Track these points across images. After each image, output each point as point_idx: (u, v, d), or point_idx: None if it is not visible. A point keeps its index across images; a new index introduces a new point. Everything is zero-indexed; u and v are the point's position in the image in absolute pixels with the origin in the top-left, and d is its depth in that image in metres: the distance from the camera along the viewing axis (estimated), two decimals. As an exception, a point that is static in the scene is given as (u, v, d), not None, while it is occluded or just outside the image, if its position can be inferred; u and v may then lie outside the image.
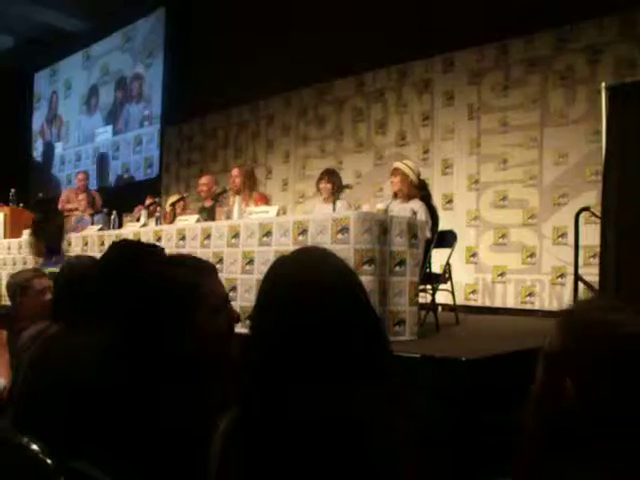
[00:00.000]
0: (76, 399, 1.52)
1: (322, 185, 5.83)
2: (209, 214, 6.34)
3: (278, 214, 4.98)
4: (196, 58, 10.44)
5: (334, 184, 5.75)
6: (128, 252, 2.04)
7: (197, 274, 1.50)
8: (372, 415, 1.10)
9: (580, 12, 6.17)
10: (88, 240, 6.52)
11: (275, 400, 1.15)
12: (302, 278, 1.22)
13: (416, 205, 5.09)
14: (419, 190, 5.28)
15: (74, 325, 1.90)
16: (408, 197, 5.22)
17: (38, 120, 13.90)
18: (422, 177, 5.55)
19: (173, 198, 7.19)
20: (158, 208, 6.81)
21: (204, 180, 7.01)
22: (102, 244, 6.29)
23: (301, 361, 1.15)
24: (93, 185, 11.60)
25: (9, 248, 7.51)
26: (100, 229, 6.67)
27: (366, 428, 1.08)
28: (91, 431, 1.44)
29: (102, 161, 11.72)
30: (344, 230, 4.23)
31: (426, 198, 5.29)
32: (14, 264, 7.16)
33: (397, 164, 5.39)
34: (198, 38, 10.46)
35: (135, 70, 11.44)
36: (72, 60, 12.90)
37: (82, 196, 8.16)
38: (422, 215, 4.96)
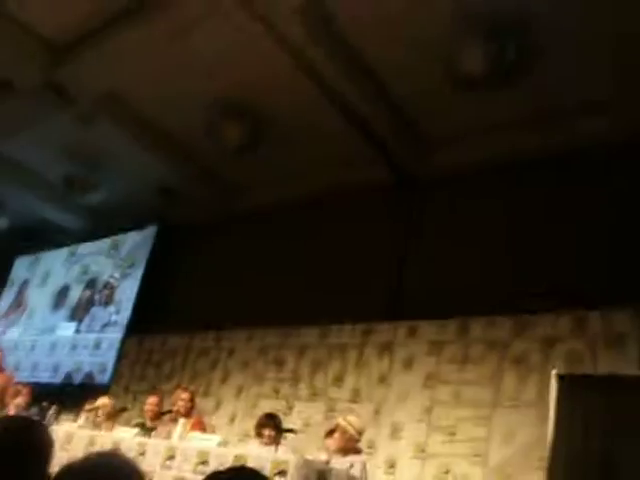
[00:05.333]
0: None
1: (266, 432, 5.78)
2: (148, 431, 6.20)
3: (219, 445, 4.89)
4: (173, 279, 10.83)
5: (277, 430, 5.74)
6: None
7: None
8: None
9: (537, 303, 6.62)
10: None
11: None
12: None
13: (354, 459, 5.08)
14: (358, 444, 5.31)
15: None
16: (346, 452, 5.22)
17: (4, 302, 13.94)
18: (369, 437, 5.56)
19: (104, 401, 7.06)
20: (99, 412, 6.67)
21: (154, 400, 6.95)
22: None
23: None
24: (45, 377, 11.39)
25: None
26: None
27: None
28: None
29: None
30: (282, 473, 4.15)
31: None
32: None
33: (340, 421, 5.45)
34: (179, 259, 10.95)
35: (112, 276, 11.73)
36: (56, 254, 13.25)
37: (26, 390, 8.06)
38: (357, 470, 4.93)
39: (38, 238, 13.28)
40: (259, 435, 5.83)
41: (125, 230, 11.88)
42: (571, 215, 7.02)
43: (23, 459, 1.81)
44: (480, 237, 7.55)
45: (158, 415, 6.61)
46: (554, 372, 5.59)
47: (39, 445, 1.93)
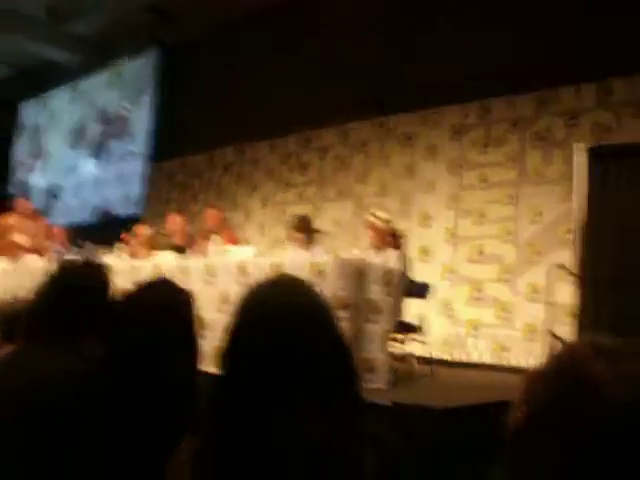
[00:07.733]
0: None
1: (297, 235, 5.79)
2: (181, 252, 6.29)
3: (255, 255, 4.98)
4: (184, 98, 10.57)
5: (309, 231, 5.76)
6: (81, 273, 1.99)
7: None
8: (342, 443, 1.09)
9: (559, 78, 6.38)
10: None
11: (245, 429, 1.12)
12: (277, 308, 1.19)
13: (389, 253, 5.11)
14: (392, 238, 5.31)
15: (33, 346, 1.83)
16: (382, 247, 5.24)
17: (20, 150, 13.90)
18: (399, 227, 5.57)
19: (143, 229, 7.17)
20: (135, 241, 6.80)
21: (175, 220, 7.03)
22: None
23: (271, 391, 1.13)
24: (77, 217, 11.63)
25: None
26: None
27: (334, 456, 1.08)
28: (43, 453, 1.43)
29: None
30: (321, 274, 4.24)
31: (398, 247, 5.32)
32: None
33: (367, 217, 5.43)
34: (187, 78, 10.61)
35: (122, 106, 11.52)
36: (60, 93, 12.95)
37: (59, 232, 8.22)
38: (392, 262, 4.94)
39: (38, 80, 12.88)
40: (291, 239, 5.88)
41: (124, 58, 11.47)
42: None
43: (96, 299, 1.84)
44: (491, 16, 7.10)
45: (186, 235, 6.70)
46: (576, 145, 5.47)
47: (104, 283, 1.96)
